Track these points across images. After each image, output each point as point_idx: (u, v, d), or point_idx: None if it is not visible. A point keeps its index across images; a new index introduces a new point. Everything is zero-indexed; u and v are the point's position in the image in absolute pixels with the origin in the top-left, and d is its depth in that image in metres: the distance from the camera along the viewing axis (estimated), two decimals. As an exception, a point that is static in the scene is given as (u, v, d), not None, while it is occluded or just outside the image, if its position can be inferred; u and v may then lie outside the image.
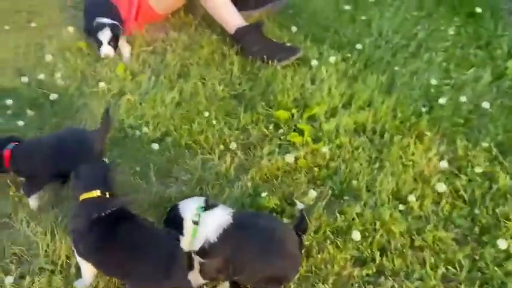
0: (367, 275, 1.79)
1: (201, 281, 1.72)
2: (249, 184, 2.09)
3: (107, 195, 1.70)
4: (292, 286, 1.74)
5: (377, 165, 2.19)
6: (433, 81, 2.63)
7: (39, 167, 1.96)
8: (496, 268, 1.79)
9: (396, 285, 1.76)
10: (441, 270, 1.79)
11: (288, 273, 1.72)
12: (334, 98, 2.52)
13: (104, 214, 1.64)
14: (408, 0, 3.27)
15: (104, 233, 1.61)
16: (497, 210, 1.98)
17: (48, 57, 2.84)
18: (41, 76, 2.71)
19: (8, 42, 3.00)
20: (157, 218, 1.90)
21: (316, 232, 1.91)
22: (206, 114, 2.45)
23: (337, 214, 1.97)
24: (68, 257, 1.80)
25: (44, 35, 3.04)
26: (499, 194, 2.05)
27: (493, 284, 1.76)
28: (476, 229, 1.94)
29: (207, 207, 1.72)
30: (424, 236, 1.89)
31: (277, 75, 2.67)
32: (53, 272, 1.77)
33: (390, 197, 2.05)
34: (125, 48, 2.81)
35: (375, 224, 1.93)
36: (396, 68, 2.73)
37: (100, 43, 2.70)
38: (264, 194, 2.04)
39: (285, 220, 1.95)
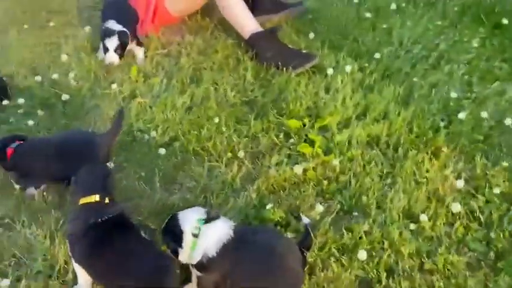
0: (372, 297, 1.71)
1: (198, 294, 1.68)
2: (254, 195, 2.03)
3: (106, 201, 1.67)
4: (292, 305, 1.68)
5: (389, 180, 2.11)
6: (453, 95, 2.52)
7: (38, 166, 1.95)
8: (510, 298, 1.69)
9: (402, 310, 1.68)
10: (451, 296, 1.70)
11: (289, 291, 1.65)
12: (348, 108, 2.44)
13: (100, 220, 1.61)
14: (432, 9, 3.15)
15: (98, 239, 1.59)
16: (514, 235, 1.87)
17: (64, 57, 2.85)
18: (55, 76, 2.72)
19: (26, 41, 3.03)
20: (158, 225, 1.86)
21: (321, 249, 1.83)
22: (216, 120, 2.40)
23: (344, 231, 1.89)
24: (66, 262, 1.78)
25: (61, 34, 3.06)
26: (518, 217, 1.94)
27: (506, 315, 1.66)
28: (492, 254, 1.83)
29: (208, 219, 1.66)
30: (435, 259, 1.80)
31: (290, 83, 2.60)
32: (50, 276, 1.75)
33: (401, 215, 1.96)
34: (138, 50, 2.79)
35: (383, 243, 1.85)
36: (415, 80, 2.63)
37: (106, 50, 2.67)
38: (269, 206, 1.98)
39: (290, 235, 1.89)
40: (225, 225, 1.67)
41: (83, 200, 1.67)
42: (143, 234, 1.72)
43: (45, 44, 2.98)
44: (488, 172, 2.12)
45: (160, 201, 2.03)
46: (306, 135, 2.31)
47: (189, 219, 1.66)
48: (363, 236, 1.87)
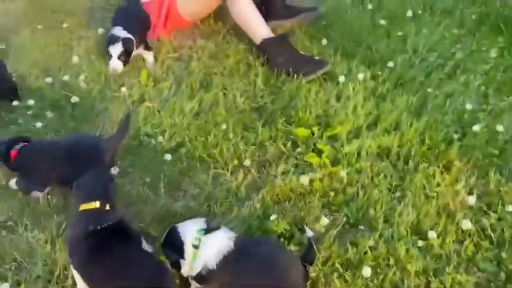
0: (376, 315, 1.66)
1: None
2: (259, 205, 2.00)
3: (107, 207, 1.66)
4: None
5: (398, 194, 2.05)
6: (468, 106, 2.44)
7: (43, 168, 1.95)
8: (520, 322, 1.62)
9: (406, 330, 1.62)
10: (458, 318, 1.64)
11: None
12: (359, 117, 2.39)
13: (99, 227, 1.59)
14: (449, 17, 3.07)
15: (96, 247, 1.57)
16: (527, 256, 1.80)
17: (75, 59, 2.85)
18: (66, 77, 2.72)
19: (39, 41, 3.03)
20: (160, 232, 1.83)
21: (324, 263, 1.79)
22: (223, 126, 2.37)
23: (349, 245, 1.84)
24: (65, 268, 1.76)
25: (74, 36, 3.06)
26: (532, 237, 1.87)
27: None
28: (502, 275, 1.76)
29: (208, 229, 1.64)
30: (442, 278, 1.74)
31: (301, 90, 2.56)
32: (49, 281, 1.74)
33: (409, 230, 1.91)
34: (148, 54, 2.78)
35: (389, 260, 1.80)
36: (429, 90, 2.56)
37: (110, 56, 2.66)
38: (273, 217, 1.94)
39: (293, 247, 1.85)
40: (226, 236, 1.64)
41: (83, 206, 1.66)
42: (144, 243, 1.69)
43: (58, 44, 2.99)
44: (501, 188, 2.05)
45: (164, 208, 2.01)
46: (314, 145, 2.26)
47: (189, 230, 1.64)
48: (368, 251, 1.82)
